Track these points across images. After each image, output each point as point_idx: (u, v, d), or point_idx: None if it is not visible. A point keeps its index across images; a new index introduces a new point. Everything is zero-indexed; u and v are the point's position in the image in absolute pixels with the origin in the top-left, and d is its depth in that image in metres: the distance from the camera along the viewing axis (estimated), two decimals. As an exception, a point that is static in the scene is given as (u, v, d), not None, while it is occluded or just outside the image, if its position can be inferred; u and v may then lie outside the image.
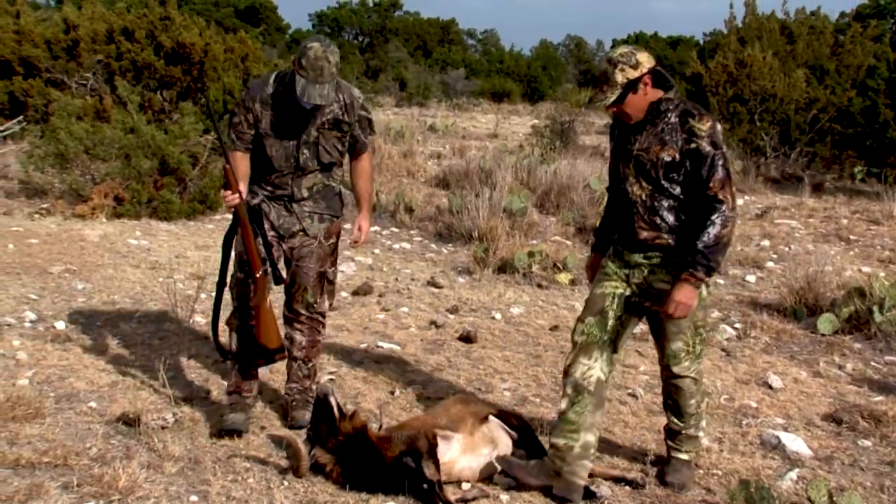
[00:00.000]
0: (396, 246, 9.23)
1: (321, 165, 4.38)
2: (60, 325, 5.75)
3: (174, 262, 7.73)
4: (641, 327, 6.27)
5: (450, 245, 9.31)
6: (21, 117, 12.35)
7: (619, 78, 3.56)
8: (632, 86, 3.58)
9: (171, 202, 9.51)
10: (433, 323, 6.43)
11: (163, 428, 4.23)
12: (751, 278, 8.27)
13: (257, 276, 4.17)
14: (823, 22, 16.92)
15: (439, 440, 3.79)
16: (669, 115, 3.65)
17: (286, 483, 3.79)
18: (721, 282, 8.08)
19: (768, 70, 14.71)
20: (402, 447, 3.72)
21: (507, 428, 4.01)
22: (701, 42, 35.77)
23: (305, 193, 4.39)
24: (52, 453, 3.84)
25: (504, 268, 8.06)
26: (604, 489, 3.87)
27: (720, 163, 3.57)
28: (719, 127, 3.68)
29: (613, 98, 3.58)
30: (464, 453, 3.87)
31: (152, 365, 5.04)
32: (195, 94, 11.53)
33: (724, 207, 3.55)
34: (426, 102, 29.93)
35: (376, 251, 8.93)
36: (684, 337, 3.81)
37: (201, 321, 6.04)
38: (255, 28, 33.22)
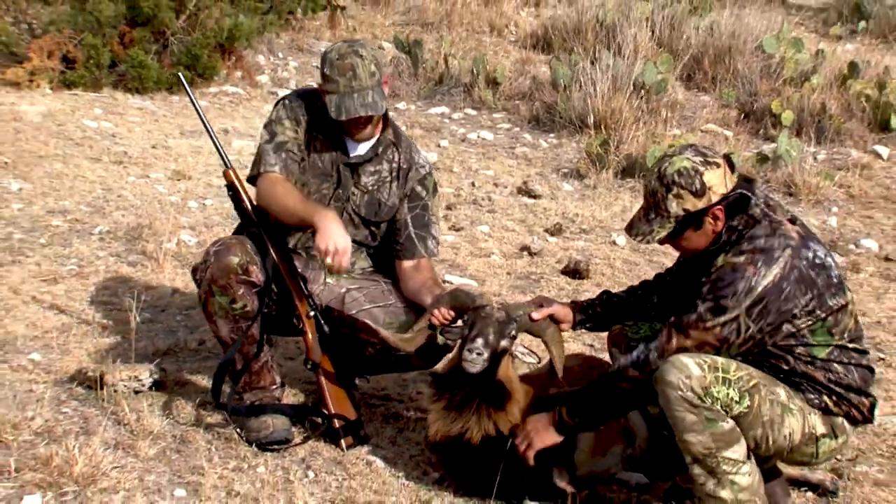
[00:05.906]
0: (473, 136, 9.18)
1: (357, 242, 4.25)
2: (-11, 242, 5.79)
3: (150, 154, 7.75)
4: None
5: (551, 135, 9.23)
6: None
7: (675, 208, 3.49)
8: (692, 220, 3.50)
9: (145, 67, 9.47)
10: (526, 249, 6.45)
11: (136, 392, 4.27)
12: None
13: (304, 316, 4.07)
14: None
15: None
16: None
17: (312, 474, 3.83)
18: None
19: None
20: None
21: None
22: None
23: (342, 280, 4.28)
24: (-21, 424, 3.91)
25: (631, 170, 7.97)
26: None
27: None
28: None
29: (662, 234, 3.55)
30: (591, 455, 3.82)
31: (120, 302, 5.05)
32: None
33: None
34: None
35: (444, 143, 8.88)
36: None
37: (190, 241, 6.03)
38: None
